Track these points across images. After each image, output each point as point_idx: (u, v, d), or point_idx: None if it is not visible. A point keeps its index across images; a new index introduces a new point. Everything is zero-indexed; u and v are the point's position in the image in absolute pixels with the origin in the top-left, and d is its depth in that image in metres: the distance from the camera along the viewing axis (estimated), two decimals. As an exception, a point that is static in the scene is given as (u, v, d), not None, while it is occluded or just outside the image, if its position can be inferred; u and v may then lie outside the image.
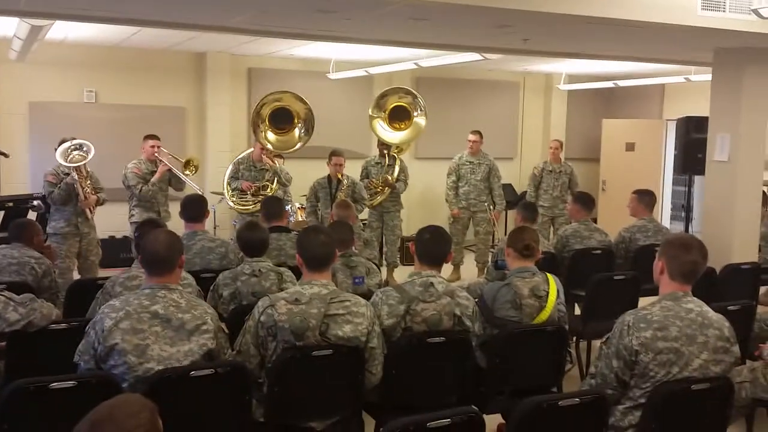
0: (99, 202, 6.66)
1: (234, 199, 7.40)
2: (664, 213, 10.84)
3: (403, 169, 8.11)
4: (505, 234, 7.55)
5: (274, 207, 5.58)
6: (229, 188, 7.47)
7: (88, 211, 6.54)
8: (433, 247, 3.65)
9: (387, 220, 8.09)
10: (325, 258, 3.32)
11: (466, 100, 10.72)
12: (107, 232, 8.14)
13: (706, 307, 3.03)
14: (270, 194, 7.20)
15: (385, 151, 8.06)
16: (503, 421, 4.11)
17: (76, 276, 6.61)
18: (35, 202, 6.69)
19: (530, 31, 5.68)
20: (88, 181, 6.55)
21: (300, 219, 8.01)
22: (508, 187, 10.01)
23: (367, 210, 8.13)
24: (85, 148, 6.48)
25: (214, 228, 8.54)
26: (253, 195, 7.31)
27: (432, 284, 3.52)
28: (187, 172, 7.13)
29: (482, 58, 7.22)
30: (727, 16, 4.92)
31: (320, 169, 7.92)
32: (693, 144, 7.85)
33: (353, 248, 4.77)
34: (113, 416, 1.79)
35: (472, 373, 3.63)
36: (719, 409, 3.05)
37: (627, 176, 10.36)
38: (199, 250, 4.88)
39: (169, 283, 3.06)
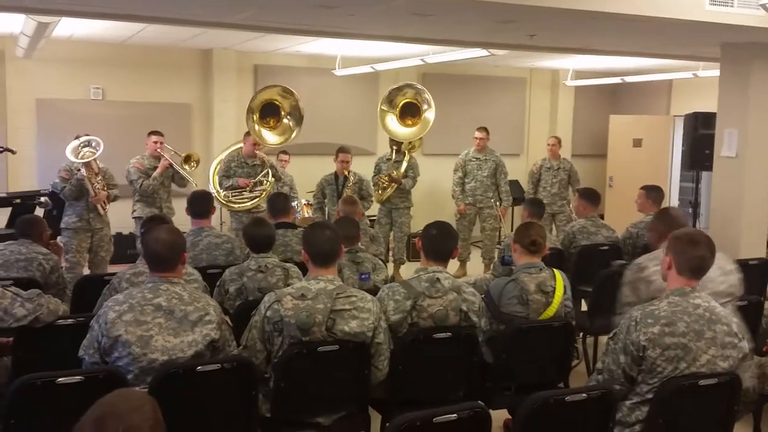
0: (110, 198, 6.68)
1: (229, 197, 7.29)
2: (671, 209, 10.78)
3: (412, 166, 8.09)
4: (512, 230, 7.53)
5: (280, 203, 5.57)
6: (220, 187, 7.29)
7: (100, 207, 6.57)
8: (439, 242, 3.64)
9: (395, 216, 8.09)
10: (331, 253, 3.32)
11: (473, 96, 10.70)
12: (114, 228, 8.14)
13: (714, 303, 3.02)
14: (266, 189, 7.15)
15: (395, 147, 8.05)
16: (509, 417, 4.12)
17: (86, 271, 6.65)
18: (42, 199, 6.72)
19: (536, 26, 5.66)
20: (99, 177, 6.57)
21: (306, 215, 8.01)
22: (514, 184, 9.99)
23: (376, 206, 8.12)
24: (94, 144, 6.52)
25: (221, 224, 8.56)
26: (249, 191, 7.25)
27: (438, 280, 3.52)
28: (187, 167, 7.13)
29: (488, 53, 7.20)
30: (734, 11, 4.90)
31: (325, 166, 7.93)
32: (700, 140, 7.82)
33: (359, 244, 4.77)
34: (118, 412, 1.78)
35: (478, 368, 3.63)
36: (727, 405, 3.04)
37: (634, 172, 10.33)
38: (205, 246, 4.89)
39: (172, 277, 3.09)
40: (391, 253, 8.09)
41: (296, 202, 8.03)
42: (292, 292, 3.23)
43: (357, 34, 6.53)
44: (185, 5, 5.30)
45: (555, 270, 3.97)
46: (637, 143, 11.04)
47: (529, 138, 11.47)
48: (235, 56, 9.26)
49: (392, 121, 7.88)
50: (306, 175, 8.66)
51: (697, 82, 9.69)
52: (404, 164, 8.00)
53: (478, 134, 8.36)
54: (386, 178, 7.94)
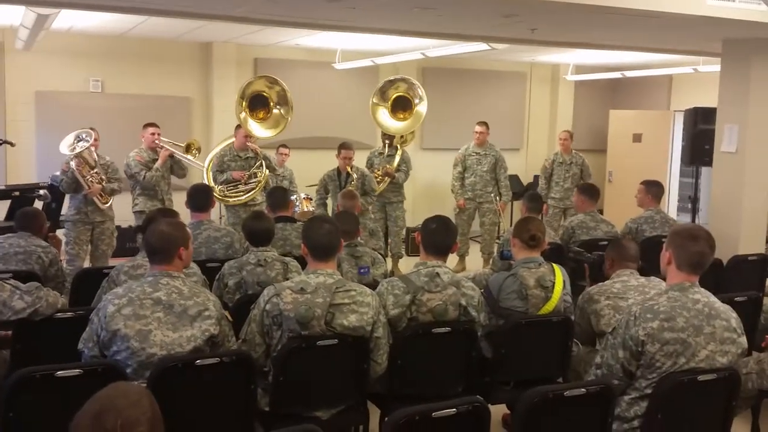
0: (107, 192, 6.63)
1: (225, 191, 7.24)
2: (670, 204, 10.80)
3: (405, 160, 8.12)
4: (511, 225, 7.53)
5: (279, 197, 5.57)
6: (215, 183, 7.22)
7: (96, 200, 6.53)
8: (438, 237, 3.64)
9: (390, 211, 8.09)
10: (330, 247, 3.31)
11: (473, 90, 10.69)
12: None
13: (713, 298, 3.02)
14: (260, 181, 7.13)
15: (387, 141, 8.05)
16: (508, 411, 4.12)
17: (88, 264, 6.65)
18: (41, 192, 6.69)
19: (537, 20, 5.65)
20: (95, 171, 6.52)
21: (305, 209, 8.01)
22: (514, 178, 9.99)
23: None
24: (84, 136, 6.46)
25: (220, 218, 8.55)
26: (244, 183, 7.22)
27: (438, 274, 3.51)
28: (190, 156, 7.11)
29: (489, 47, 7.18)
30: (736, 6, 4.89)
31: (325, 160, 7.91)
32: (700, 135, 7.81)
33: (359, 238, 4.77)
34: (115, 407, 1.77)
35: (477, 363, 3.63)
36: (725, 400, 3.04)
37: (634, 167, 10.32)
38: (204, 240, 4.88)
39: (172, 271, 3.09)
40: (389, 247, 8.09)
41: (295, 196, 8.02)
42: (292, 285, 3.23)
43: (358, 27, 6.51)
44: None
45: (554, 265, 3.97)
46: (637, 138, 11.03)
47: (529, 133, 11.46)
48: (234, 49, 9.24)
49: (384, 114, 7.88)
50: (305, 169, 8.64)
51: (698, 77, 9.68)
52: (397, 158, 8.01)
53: (477, 128, 8.34)
54: (379, 173, 7.95)
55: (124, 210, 7.27)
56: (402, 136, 8.09)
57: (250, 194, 7.10)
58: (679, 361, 2.87)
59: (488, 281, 4.03)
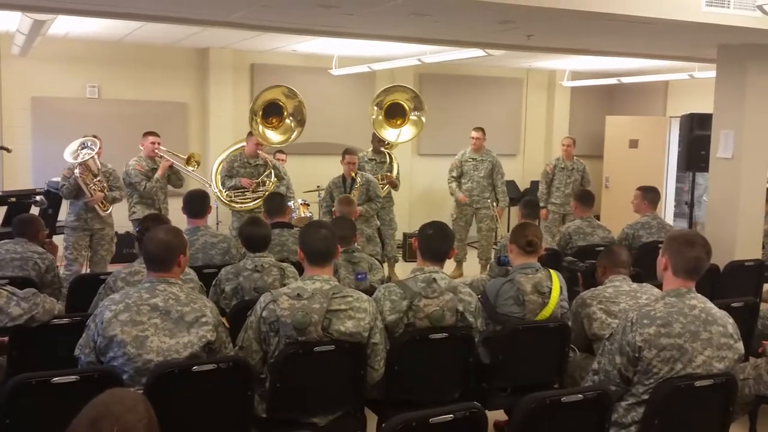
0: (109, 200, 6.63)
1: (231, 197, 7.29)
2: (667, 210, 10.82)
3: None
4: (508, 230, 7.54)
5: (276, 203, 5.57)
6: (222, 187, 7.32)
7: (98, 207, 6.53)
8: (435, 243, 3.64)
9: (383, 215, 8.09)
10: (326, 253, 3.31)
11: (469, 96, 10.71)
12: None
13: (710, 304, 3.02)
14: (269, 190, 7.16)
15: (382, 148, 8.08)
16: (500, 419, 4.12)
17: (86, 269, 6.66)
18: (38, 198, 6.69)
19: (534, 26, 5.66)
20: (98, 179, 6.53)
21: (302, 215, 8.01)
22: (511, 184, 10.00)
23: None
24: (89, 144, 6.49)
25: (217, 224, 8.55)
26: (252, 191, 7.26)
27: (435, 280, 3.51)
28: (190, 167, 7.13)
29: (486, 54, 7.20)
30: (731, 12, 4.90)
31: (321, 165, 7.92)
32: (697, 141, 7.82)
33: (356, 244, 4.76)
34: (112, 413, 1.77)
35: (474, 369, 3.63)
36: (723, 406, 3.04)
37: (630, 173, 10.34)
38: (201, 246, 4.88)
39: (169, 278, 3.08)
40: (384, 252, 8.09)
41: (293, 202, 8.02)
42: (288, 291, 3.23)
43: (355, 34, 6.52)
44: (182, 3, 5.28)
45: (551, 270, 3.98)
46: (633, 144, 11.06)
47: (526, 138, 11.47)
48: (231, 55, 9.25)
49: (383, 124, 7.97)
50: (302, 175, 8.65)
51: (693, 84, 9.71)
52: (395, 165, 8.05)
53: (474, 134, 8.36)
54: (384, 181, 7.96)
55: (121, 216, 7.27)
56: (388, 141, 8.18)
57: (256, 202, 7.16)
58: (676, 366, 2.87)
59: (485, 287, 4.03)
